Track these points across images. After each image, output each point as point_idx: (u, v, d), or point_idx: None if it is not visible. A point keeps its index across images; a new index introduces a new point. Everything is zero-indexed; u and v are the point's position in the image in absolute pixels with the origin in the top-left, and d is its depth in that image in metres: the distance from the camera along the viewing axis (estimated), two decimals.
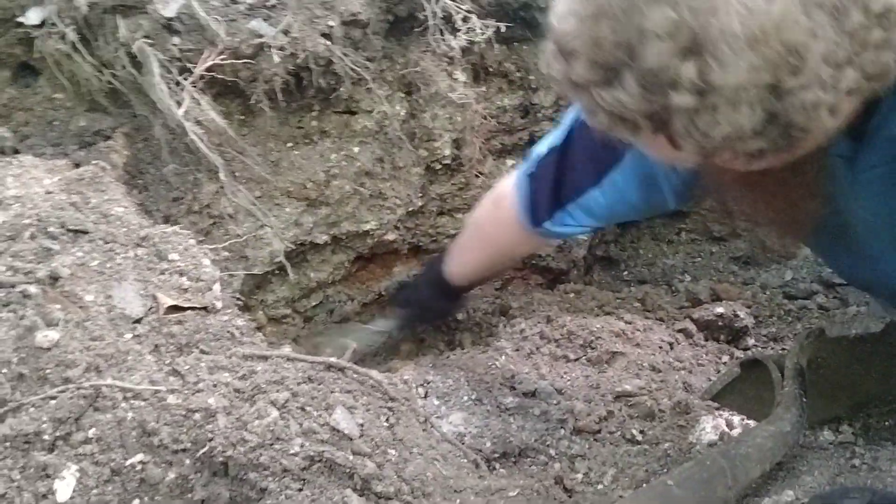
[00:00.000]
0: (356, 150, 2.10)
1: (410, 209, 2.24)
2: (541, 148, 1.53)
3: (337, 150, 2.08)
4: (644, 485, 1.36)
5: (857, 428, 1.45)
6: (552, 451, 1.52)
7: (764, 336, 2.15)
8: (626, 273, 2.73)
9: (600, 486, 1.41)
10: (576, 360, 1.82)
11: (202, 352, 1.26)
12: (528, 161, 1.57)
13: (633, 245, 2.78)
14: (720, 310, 2.10)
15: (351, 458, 1.13)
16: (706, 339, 2.05)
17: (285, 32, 1.76)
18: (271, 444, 1.09)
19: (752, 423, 1.51)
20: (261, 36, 1.73)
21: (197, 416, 1.11)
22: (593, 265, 2.71)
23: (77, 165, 1.61)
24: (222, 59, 1.68)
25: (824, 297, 2.33)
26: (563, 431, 1.58)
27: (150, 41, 1.65)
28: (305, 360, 1.31)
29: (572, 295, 2.38)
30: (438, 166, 2.25)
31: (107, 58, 1.68)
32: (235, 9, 1.76)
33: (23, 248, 1.26)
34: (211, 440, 1.08)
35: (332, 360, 1.33)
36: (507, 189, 1.64)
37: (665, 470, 1.41)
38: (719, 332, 2.08)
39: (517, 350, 1.86)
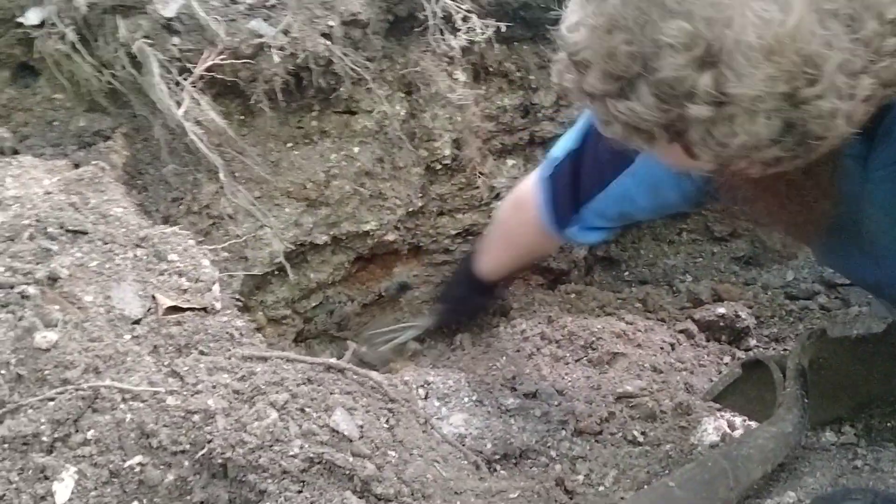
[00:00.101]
0: (356, 150, 2.09)
1: (410, 209, 2.24)
2: (558, 151, 1.54)
3: (337, 151, 2.08)
4: (645, 486, 1.35)
5: (860, 429, 1.45)
6: (553, 453, 1.51)
7: (765, 336, 2.15)
8: (627, 273, 2.72)
9: (601, 488, 1.40)
10: (577, 361, 1.81)
11: (201, 353, 1.26)
12: (546, 163, 1.58)
13: (634, 245, 2.78)
14: (721, 310, 2.10)
15: (351, 459, 1.12)
16: (707, 340, 2.05)
17: (285, 32, 1.76)
18: (270, 446, 1.09)
19: (753, 423, 1.50)
20: (261, 36, 1.73)
21: (196, 417, 1.10)
22: (594, 265, 2.71)
23: (76, 166, 1.60)
24: (222, 59, 1.68)
25: (826, 298, 2.33)
26: (564, 433, 1.57)
27: (149, 41, 1.65)
28: (305, 361, 1.30)
29: (573, 295, 2.37)
30: (438, 166, 2.24)
31: (106, 58, 1.68)
32: (235, 9, 1.75)
33: (22, 248, 1.26)
34: (210, 442, 1.07)
35: (332, 360, 1.33)
36: (527, 191, 1.65)
37: (666, 471, 1.41)
38: (721, 332, 2.08)
39: (518, 351, 1.85)
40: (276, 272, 2.04)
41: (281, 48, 1.74)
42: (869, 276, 1.24)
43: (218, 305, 1.36)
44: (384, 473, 1.14)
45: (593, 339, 1.85)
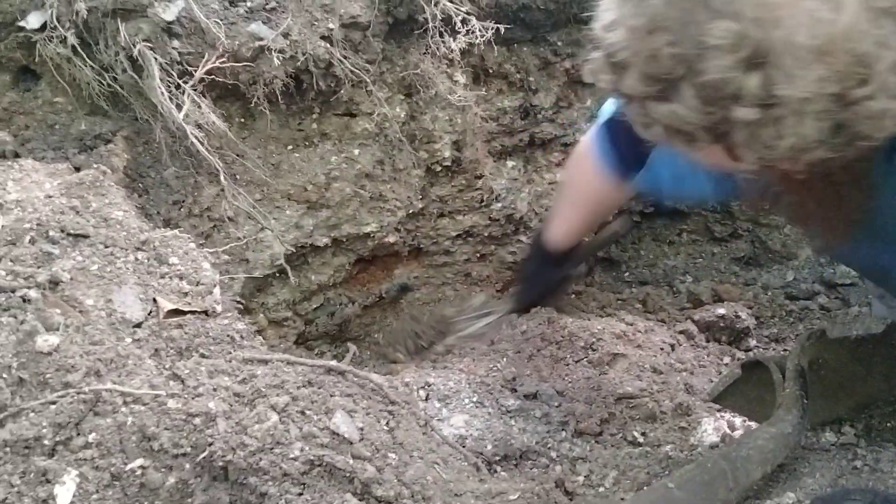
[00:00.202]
0: (356, 152, 2.10)
1: (411, 211, 2.25)
2: (610, 105, 1.53)
3: (337, 153, 2.08)
4: (645, 487, 1.35)
5: (859, 429, 1.45)
6: (553, 454, 1.52)
7: (765, 337, 2.15)
8: (627, 274, 2.72)
9: (601, 489, 1.41)
10: (577, 362, 1.81)
11: (202, 356, 1.26)
12: (601, 115, 1.56)
13: (635, 246, 2.78)
14: (722, 311, 2.10)
15: (351, 462, 1.13)
16: (707, 341, 2.05)
17: (285, 35, 1.76)
18: (271, 449, 1.09)
19: (753, 424, 1.51)
20: (261, 39, 1.73)
21: (197, 420, 1.11)
22: (594, 266, 2.71)
23: (77, 169, 1.61)
24: (222, 63, 1.68)
25: (826, 298, 2.33)
26: (564, 434, 1.57)
27: (150, 45, 1.65)
28: (305, 364, 1.31)
29: (573, 296, 2.38)
30: (439, 168, 2.25)
31: (107, 61, 1.68)
32: (235, 12, 1.76)
33: (23, 252, 1.26)
34: (211, 445, 1.08)
35: (333, 363, 1.33)
36: (586, 144, 1.63)
37: (666, 472, 1.41)
38: (721, 333, 2.08)
39: (518, 352, 1.86)
40: (277, 274, 2.05)
41: (281, 51, 1.75)
42: (880, 262, 1.23)
43: (219, 308, 1.37)
44: (384, 475, 1.14)
45: (593, 340, 1.85)
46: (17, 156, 1.63)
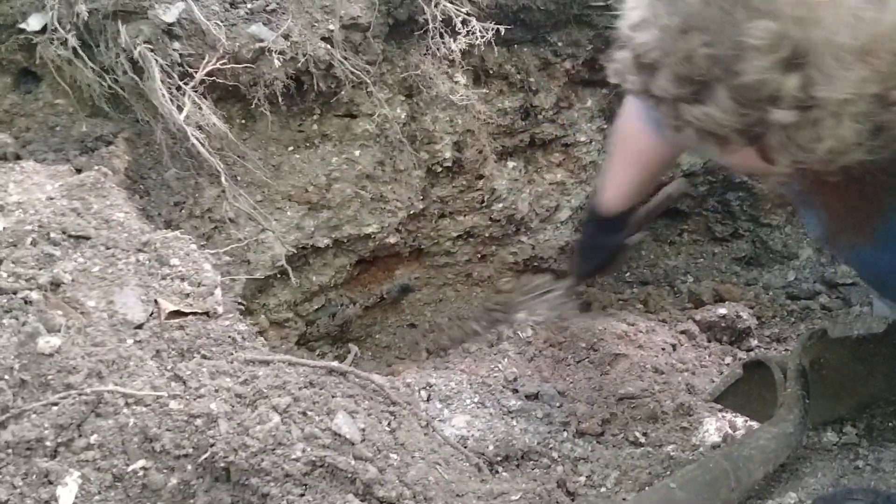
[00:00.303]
0: (357, 153, 2.10)
1: (412, 212, 2.25)
2: None
3: (338, 154, 2.08)
4: (647, 487, 1.35)
5: (861, 429, 1.45)
6: (555, 454, 1.52)
7: (767, 337, 2.15)
8: (628, 274, 2.73)
9: (603, 489, 1.41)
10: (578, 362, 1.81)
11: (204, 357, 1.26)
12: None
13: (635, 246, 2.78)
14: (723, 311, 2.10)
15: (353, 462, 1.13)
16: (709, 341, 2.05)
17: (285, 37, 1.76)
18: (273, 450, 1.09)
19: (755, 424, 1.51)
20: (261, 40, 1.74)
21: (199, 421, 1.11)
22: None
23: (79, 171, 1.61)
24: (223, 64, 1.69)
25: (827, 298, 2.33)
26: (565, 434, 1.57)
27: (150, 46, 1.65)
28: (307, 365, 1.31)
29: (574, 296, 2.38)
30: (439, 169, 2.25)
31: (108, 63, 1.68)
32: (235, 13, 1.76)
33: (24, 254, 1.26)
34: (213, 446, 1.08)
35: (334, 364, 1.33)
36: (633, 101, 1.57)
37: (668, 472, 1.41)
38: (722, 333, 2.08)
39: (520, 353, 1.86)
40: (278, 275, 2.05)
41: (281, 52, 1.75)
42: (882, 265, 1.21)
43: (220, 309, 1.37)
44: (386, 476, 1.14)
45: (595, 340, 1.86)
46: (18, 158, 1.63)
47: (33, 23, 1.66)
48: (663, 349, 1.90)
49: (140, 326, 1.26)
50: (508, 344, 1.92)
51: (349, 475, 1.11)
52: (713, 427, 1.56)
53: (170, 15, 1.68)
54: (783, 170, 0.84)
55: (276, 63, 1.74)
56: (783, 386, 1.35)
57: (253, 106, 1.82)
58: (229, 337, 1.32)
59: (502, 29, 1.99)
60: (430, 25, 1.94)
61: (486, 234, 2.48)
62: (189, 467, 1.08)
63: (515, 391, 1.69)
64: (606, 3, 2.22)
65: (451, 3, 1.93)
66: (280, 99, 1.82)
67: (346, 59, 1.86)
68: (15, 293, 1.19)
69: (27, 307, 1.17)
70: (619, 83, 0.91)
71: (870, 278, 1.44)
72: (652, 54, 0.82)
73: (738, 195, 2.59)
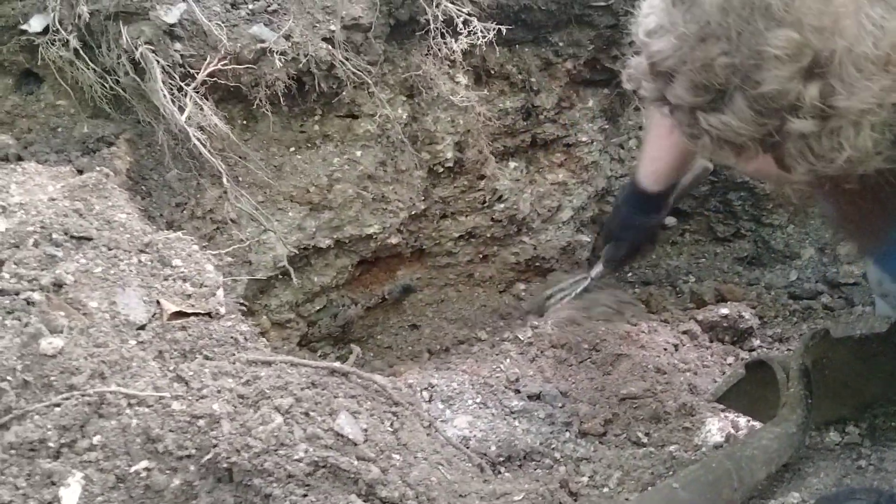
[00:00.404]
0: (358, 153, 2.10)
1: (413, 212, 2.25)
2: None
3: (339, 154, 2.08)
4: (650, 487, 1.35)
5: (864, 429, 1.44)
6: (557, 455, 1.52)
7: (769, 337, 2.15)
8: (630, 274, 2.72)
9: (606, 490, 1.41)
10: (580, 362, 1.81)
11: (206, 358, 1.26)
12: None
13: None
14: (725, 311, 2.10)
15: (355, 463, 1.13)
16: (711, 341, 2.05)
17: (287, 37, 1.76)
18: (276, 450, 1.09)
19: (757, 424, 1.50)
20: (262, 41, 1.74)
21: (201, 422, 1.11)
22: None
23: (80, 172, 1.61)
24: (224, 65, 1.69)
25: (829, 298, 2.33)
26: (568, 434, 1.57)
27: (152, 47, 1.65)
28: (309, 365, 1.31)
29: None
30: (441, 169, 2.25)
31: (109, 64, 1.69)
32: (237, 14, 1.76)
33: (27, 255, 1.27)
34: (215, 446, 1.08)
35: (336, 364, 1.33)
36: None
37: (671, 472, 1.41)
38: (724, 333, 2.08)
39: (521, 353, 1.86)
40: (280, 276, 2.05)
41: (283, 53, 1.75)
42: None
43: (222, 310, 1.37)
44: (389, 477, 1.14)
45: (597, 340, 1.86)
46: (20, 159, 1.63)
47: (35, 24, 1.67)
48: (665, 349, 1.90)
49: (142, 327, 1.26)
50: (510, 344, 1.92)
51: (352, 476, 1.11)
52: (715, 427, 1.56)
53: (171, 16, 1.68)
54: (800, 178, 0.83)
55: (278, 64, 1.75)
56: (786, 386, 1.35)
57: (254, 107, 1.82)
58: (231, 338, 1.32)
59: (503, 29, 1.99)
60: (432, 26, 1.94)
61: (488, 235, 2.48)
62: (192, 468, 1.08)
63: (517, 391, 1.69)
64: (608, 3, 2.22)
65: (453, 3, 1.93)
66: (281, 99, 1.82)
67: (347, 59, 1.86)
68: (17, 294, 1.19)
69: (29, 308, 1.17)
70: (632, 89, 0.91)
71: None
72: (668, 62, 0.81)
73: (739, 195, 2.59)
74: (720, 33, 0.76)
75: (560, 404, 1.65)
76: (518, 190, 2.45)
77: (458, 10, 1.93)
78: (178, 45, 1.69)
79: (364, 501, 1.10)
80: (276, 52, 1.74)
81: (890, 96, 0.73)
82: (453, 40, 1.97)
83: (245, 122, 1.93)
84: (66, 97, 1.76)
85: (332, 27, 1.82)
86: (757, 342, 2.09)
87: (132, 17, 1.67)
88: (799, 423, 1.30)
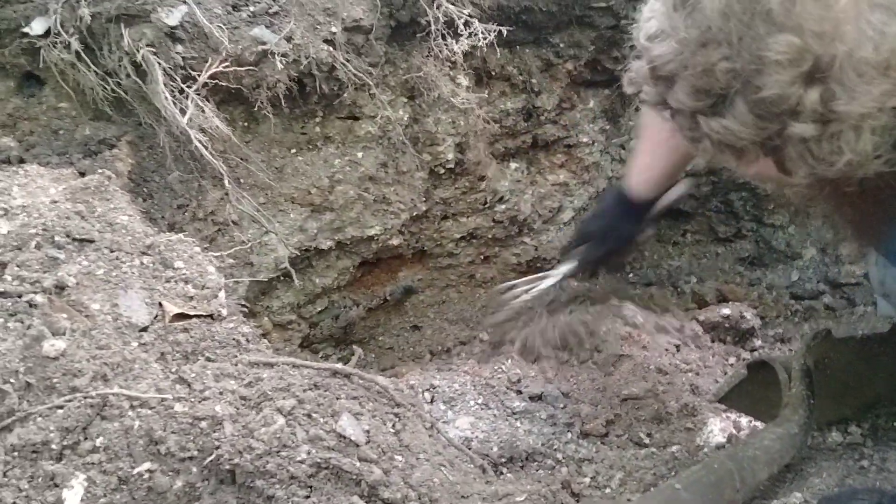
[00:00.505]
0: (360, 155, 2.10)
1: (414, 214, 2.25)
2: None
3: (341, 156, 2.09)
4: (652, 488, 1.35)
5: (866, 429, 1.44)
6: (559, 455, 1.52)
7: (771, 337, 2.15)
8: (631, 275, 2.72)
9: (608, 490, 1.41)
10: (582, 363, 1.81)
11: (208, 359, 1.26)
12: None
13: (639, 247, 2.78)
14: (726, 311, 2.10)
15: (357, 464, 1.13)
16: (713, 341, 2.05)
17: (288, 39, 1.76)
18: (278, 452, 1.09)
19: (759, 424, 1.50)
20: (264, 43, 1.74)
21: (203, 423, 1.11)
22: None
23: (82, 174, 1.61)
24: (225, 67, 1.69)
25: (831, 298, 2.33)
26: (570, 435, 1.57)
27: (153, 50, 1.66)
28: (311, 367, 1.31)
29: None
30: (442, 170, 2.25)
31: (111, 67, 1.69)
32: (238, 16, 1.76)
33: (29, 257, 1.27)
34: (218, 448, 1.08)
35: (338, 366, 1.33)
36: None
37: (673, 473, 1.41)
38: (726, 333, 2.08)
39: (523, 354, 1.86)
40: (282, 278, 2.05)
41: (284, 55, 1.75)
42: None
43: (224, 312, 1.37)
44: (391, 478, 1.14)
45: (598, 341, 1.85)
46: (22, 161, 1.63)
47: (37, 27, 1.67)
48: (667, 350, 1.90)
49: (144, 329, 1.27)
50: (512, 345, 1.91)
51: (354, 477, 1.11)
52: (717, 428, 1.56)
53: (172, 18, 1.68)
54: (800, 181, 0.84)
55: (279, 65, 1.75)
56: (787, 386, 1.35)
57: (256, 108, 1.82)
58: (233, 339, 1.32)
59: (504, 30, 1.99)
60: (433, 27, 1.94)
61: (489, 236, 2.48)
62: (194, 470, 1.08)
63: (519, 392, 1.69)
64: (608, 4, 2.22)
65: (453, 4, 1.93)
66: (283, 101, 1.83)
67: (348, 61, 1.87)
68: (20, 296, 1.19)
69: (32, 310, 1.17)
70: (633, 92, 0.91)
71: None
72: (669, 66, 0.81)
73: (741, 195, 2.59)
74: (721, 38, 0.76)
75: (562, 405, 1.65)
76: (519, 191, 2.45)
77: (459, 12, 1.93)
78: (179, 48, 1.69)
79: (366, 503, 1.10)
80: (278, 54, 1.74)
81: (890, 100, 0.73)
82: (454, 42, 1.97)
83: (246, 123, 1.94)
84: (68, 99, 1.77)
85: (333, 29, 1.83)
86: (759, 342, 2.09)
87: (133, 19, 1.67)
88: (801, 423, 1.30)
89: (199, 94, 1.68)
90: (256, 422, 1.12)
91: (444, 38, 1.97)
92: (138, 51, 1.64)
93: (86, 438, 1.07)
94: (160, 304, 1.31)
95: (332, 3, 1.84)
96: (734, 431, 1.56)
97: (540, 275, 1.92)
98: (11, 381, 1.08)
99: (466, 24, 1.94)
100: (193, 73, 1.69)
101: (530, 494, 1.29)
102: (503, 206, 2.43)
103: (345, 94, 1.94)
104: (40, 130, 1.77)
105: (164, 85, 1.64)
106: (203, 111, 1.68)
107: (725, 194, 2.62)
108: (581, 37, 2.31)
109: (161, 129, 1.73)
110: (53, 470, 1.03)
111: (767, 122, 0.77)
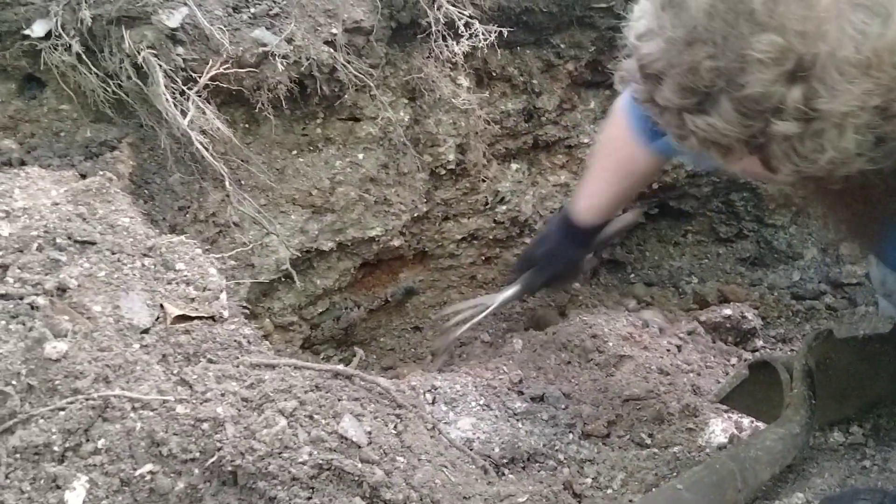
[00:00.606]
0: (361, 156, 2.10)
1: (415, 215, 2.25)
2: None
3: (342, 157, 2.09)
4: (653, 489, 1.35)
5: (868, 429, 1.44)
6: (561, 456, 1.51)
7: (772, 337, 2.15)
8: (632, 276, 2.72)
9: (609, 491, 1.40)
10: (583, 364, 1.81)
11: (210, 361, 1.26)
12: None
13: (640, 247, 2.78)
14: (728, 311, 2.10)
15: (359, 465, 1.13)
16: (714, 341, 2.05)
17: (289, 41, 1.77)
18: (280, 453, 1.10)
19: (761, 425, 1.50)
20: (264, 45, 1.74)
21: (205, 425, 1.11)
22: (599, 268, 2.71)
23: (83, 176, 1.61)
24: (226, 69, 1.69)
25: (832, 298, 2.33)
26: (571, 436, 1.57)
27: (154, 52, 1.66)
28: (313, 368, 1.31)
29: (580, 297, 2.38)
30: (443, 171, 2.25)
31: (112, 69, 1.69)
32: (239, 18, 1.77)
33: (30, 259, 1.27)
34: (220, 449, 1.08)
35: (340, 367, 1.33)
36: (619, 103, 1.57)
37: (675, 474, 1.41)
38: (727, 333, 2.08)
39: (524, 355, 1.86)
40: (283, 279, 2.05)
41: (284, 56, 1.75)
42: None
43: (225, 313, 1.37)
44: (393, 479, 1.14)
45: (600, 342, 1.85)
46: (23, 163, 1.63)
47: (37, 29, 1.67)
48: (668, 350, 1.90)
49: (146, 331, 1.27)
50: (513, 345, 1.91)
51: (356, 478, 1.11)
52: (719, 428, 1.55)
53: (173, 20, 1.69)
54: (785, 178, 0.85)
55: (280, 67, 1.75)
56: (789, 386, 1.35)
57: (256, 110, 1.83)
58: (235, 341, 1.32)
59: (505, 31, 2.00)
60: (433, 28, 1.94)
61: (490, 237, 2.49)
62: (196, 471, 1.08)
63: (521, 393, 1.69)
64: (609, 4, 2.22)
65: (454, 5, 1.93)
66: (283, 103, 1.83)
67: (349, 62, 1.87)
68: (21, 299, 1.19)
69: (34, 312, 1.17)
70: (623, 90, 0.92)
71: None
72: (657, 65, 0.83)
73: (742, 195, 2.59)
74: (706, 37, 0.77)
75: (563, 406, 1.65)
76: (520, 192, 2.45)
77: (460, 13, 1.93)
78: (180, 49, 1.69)
79: None
80: (278, 56, 1.74)
81: (871, 99, 0.74)
82: (455, 43, 1.97)
83: (247, 125, 1.94)
84: (69, 102, 1.77)
85: (334, 30, 1.83)
86: (760, 343, 2.09)
87: (134, 21, 1.68)
88: (802, 423, 1.30)
89: (199, 96, 1.68)
90: (258, 423, 1.13)
91: (444, 39, 1.97)
92: (139, 53, 1.64)
93: (88, 440, 1.07)
94: (161, 306, 1.31)
95: (332, 5, 1.85)
96: (736, 432, 1.56)
97: (481, 299, 1.97)
98: (13, 383, 1.08)
99: (467, 25, 1.94)
100: (194, 75, 1.69)
101: (532, 495, 1.29)
102: (504, 207, 2.43)
103: (346, 96, 1.94)
104: (41, 133, 1.78)
105: (165, 87, 1.65)
106: (204, 113, 1.68)
107: (726, 194, 2.62)
108: (582, 37, 2.31)
109: (162, 130, 1.73)
110: (55, 472, 1.03)
111: (751, 120, 0.78)
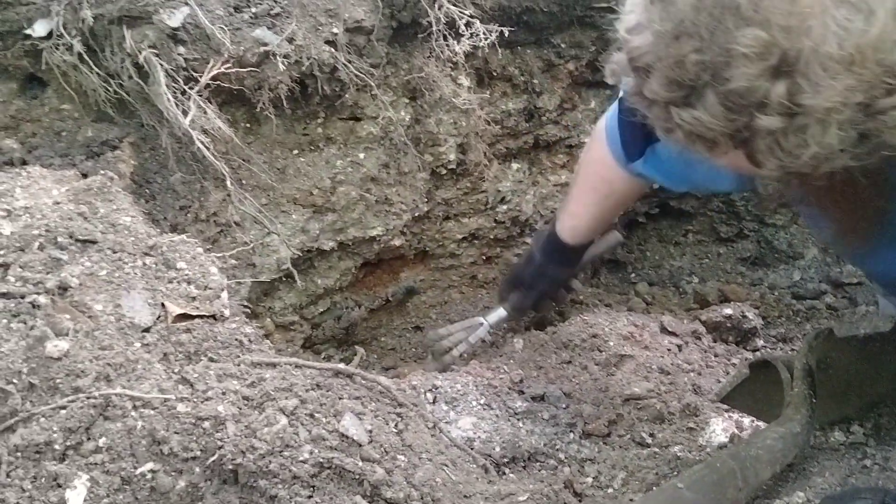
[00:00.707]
0: (362, 156, 2.10)
1: (416, 214, 2.25)
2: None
3: (342, 157, 2.09)
4: (654, 488, 1.35)
5: (868, 428, 1.44)
6: (562, 455, 1.52)
7: (773, 337, 2.15)
8: (633, 275, 2.72)
9: (610, 490, 1.40)
10: (584, 363, 1.81)
11: (211, 360, 1.26)
12: (618, 99, 1.51)
13: (640, 247, 2.78)
14: (728, 311, 2.10)
15: (360, 464, 1.13)
16: (715, 341, 2.05)
17: (290, 40, 1.77)
18: (281, 452, 1.10)
19: (761, 424, 1.50)
20: (265, 44, 1.74)
21: (206, 424, 1.11)
22: (600, 268, 2.71)
23: (85, 175, 1.62)
24: (227, 68, 1.69)
25: (833, 297, 2.33)
26: (572, 435, 1.57)
27: (155, 51, 1.66)
28: (314, 367, 1.31)
29: (580, 298, 2.37)
30: (444, 171, 2.25)
31: (113, 68, 1.69)
32: (240, 18, 1.77)
33: (32, 258, 1.27)
34: (220, 448, 1.08)
35: (341, 366, 1.33)
36: (600, 125, 1.59)
37: (675, 473, 1.41)
38: (728, 333, 2.08)
39: (525, 354, 1.86)
40: (284, 278, 2.05)
41: (286, 56, 1.76)
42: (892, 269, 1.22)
43: (227, 312, 1.37)
44: (393, 478, 1.15)
45: (600, 341, 1.85)
46: (24, 163, 1.63)
47: (39, 29, 1.67)
48: (669, 350, 1.90)
49: (147, 329, 1.27)
50: (514, 345, 1.92)
51: (357, 477, 1.11)
52: (720, 427, 1.55)
53: (174, 20, 1.69)
54: (770, 173, 0.86)
55: (281, 67, 1.75)
56: (790, 386, 1.35)
57: (258, 110, 1.83)
58: (236, 340, 1.32)
59: (505, 31, 2.00)
60: (434, 28, 1.94)
61: (491, 237, 2.49)
62: (197, 470, 1.08)
63: (521, 392, 1.69)
64: (609, 4, 2.22)
65: (455, 5, 1.93)
66: (284, 102, 1.83)
67: (350, 62, 1.87)
68: (23, 297, 1.20)
69: (35, 311, 1.18)
70: (614, 84, 0.94)
71: (882, 279, 1.44)
72: (645, 58, 0.84)
73: (742, 195, 2.59)
74: (692, 31, 0.78)
75: (564, 405, 1.65)
76: (521, 191, 2.45)
77: (461, 13, 1.93)
78: (181, 49, 1.69)
79: (369, 502, 1.10)
80: (279, 56, 1.75)
81: (854, 96, 0.75)
82: (455, 42, 1.97)
83: (248, 125, 1.94)
84: (70, 101, 1.77)
85: (335, 30, 1.83)
86: (761, 342, 2.09)
87: (135, 21, 1.68)
88: (803, 422, 1.29)
89: (201, 96, 1.68)
90: (259, 422, 1.13)
91: (445, 38, 1.97)
92: (140, 52, 1.64)
93: (89, 439, 1.07)
94: (163, 305, 1.32)
95: (333, 5, 1.85)
96: (736, 431, 1.56)
97: (469, 322, 2.02)
98: (14, 381, 1.08)
99: (468, 24, 1.94)
100: (195, 75, 1.69)
101: (533, 494, 1.29)
102: (505, 207, 2.44)
103: (346, 95, 1.94)
104: (43, 132, 1.78)
105: (167, 86, 1.65)
106: (205, 112, 1.69)
107: (727, 194, 2.62)
108: (582, 37, 2.31)
109: (163, 130, 1.73)
110: (56, 470, 1.03)
111: (736, 114, 0.79)
